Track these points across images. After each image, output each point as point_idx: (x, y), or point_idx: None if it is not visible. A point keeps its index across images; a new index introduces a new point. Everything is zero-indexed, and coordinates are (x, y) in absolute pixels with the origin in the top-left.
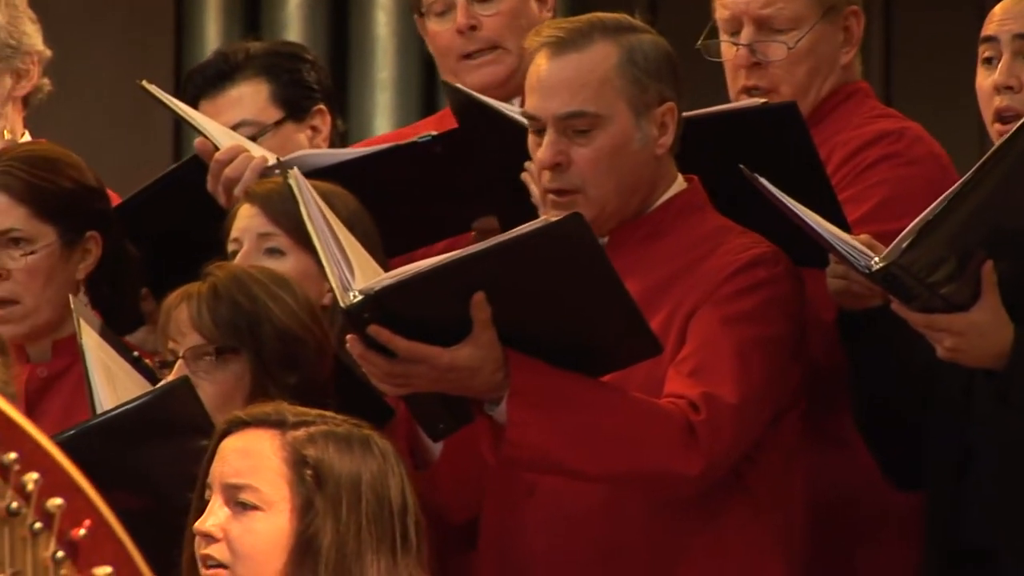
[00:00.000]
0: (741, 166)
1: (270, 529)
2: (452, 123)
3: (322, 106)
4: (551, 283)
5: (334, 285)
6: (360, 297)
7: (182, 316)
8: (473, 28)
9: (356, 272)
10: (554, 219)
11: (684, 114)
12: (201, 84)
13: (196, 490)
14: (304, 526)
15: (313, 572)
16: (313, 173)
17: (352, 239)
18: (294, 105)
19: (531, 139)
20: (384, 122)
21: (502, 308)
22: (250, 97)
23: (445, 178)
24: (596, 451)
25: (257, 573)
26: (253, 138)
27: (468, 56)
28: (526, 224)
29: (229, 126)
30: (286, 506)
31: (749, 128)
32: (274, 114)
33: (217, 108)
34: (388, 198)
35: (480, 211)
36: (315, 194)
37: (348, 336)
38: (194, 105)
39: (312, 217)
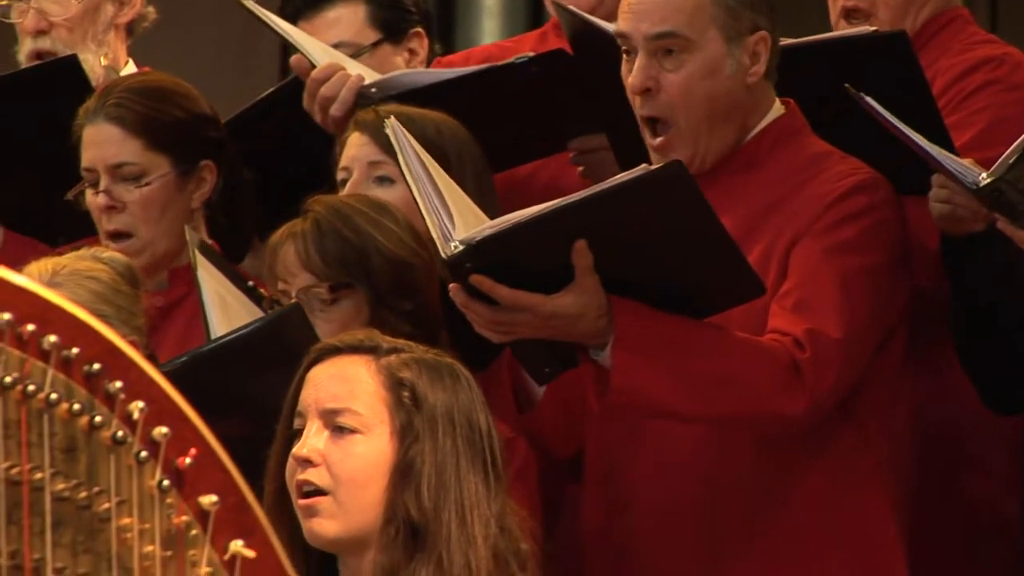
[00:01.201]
0: (847, 86)
1: (371, 452)
2: (553, 41)
3: (419, 28)
4: (652, 229)
5: (435, 236)
6: (461, 247)
7: (289, 256)
8: None
9: (456, 221)
10: (655, 167)
11: (788, 42)
12: (299, 4)
13: (282, 420)
14: (404, 448)
15: (415, 494)
16: (408, 93)
17: (452, 185)
18: (391, 27)
19: (624, 65)
20: None
21: (603, 254)
22: (347, 18)
23: (541, 98)
24: (701, 394)
25: (358, 497)
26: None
27: None
28: (627, 171)
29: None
30: (385, 429)
31: (855, 56)
32: (371, 36)
33: (314, 29)
34: (483, 118)
35: (577, 130)
36: (413, 141)
37: (451, 285)
38: (293, 24)
39: (410, 166)
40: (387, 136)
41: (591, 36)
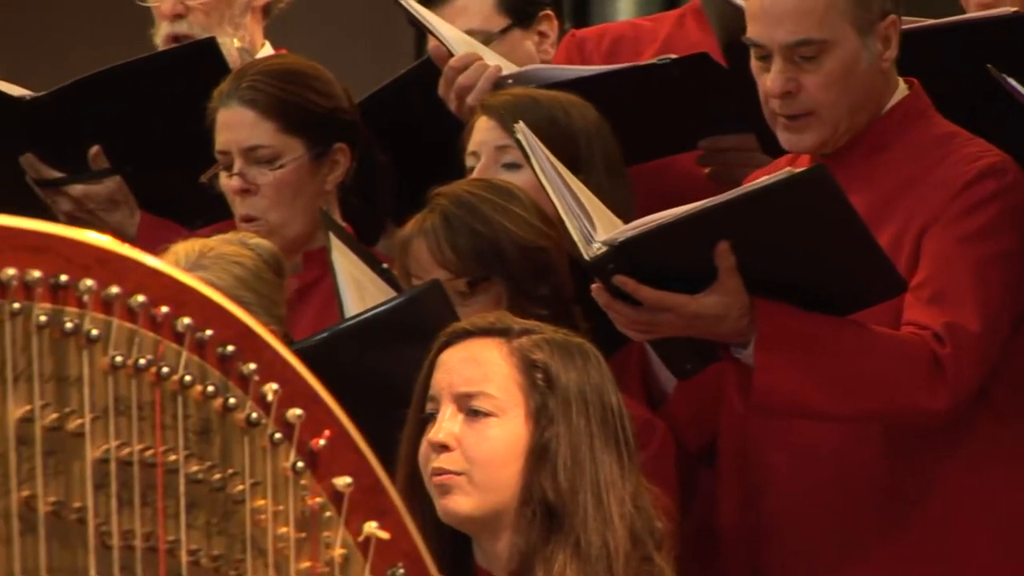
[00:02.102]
0: (988, 66)
1: (506, 435)
2: (690, 25)
3: (548, 11)
4: (794, 230)
5: (576, 238)
6: (604, 248)
7: (422, 253)
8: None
9: (596, 222)
10: (799, 170)
11: (915, 26)
12: None
13: (413, 404)
14: (539, 430)
15: (550, 476)
16: (542, 87)
17: (583, 187)
18: (520, 12)
19: (754, 64)
20: None
21: (745, 255)
22: (476, 5)
23: (678, 97)
24: (844, 393)
25: (494, 479)
26: None
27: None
28: (771, 175)
29: None
30: (520, 411)
31: (986, 39)
32: (500, 22)
33: (444, 16)
34: (617, 112)
35: (708, 130)
36: (543, 147)
37: (593, 285)
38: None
39: (544, 171)
40: (515, 120)
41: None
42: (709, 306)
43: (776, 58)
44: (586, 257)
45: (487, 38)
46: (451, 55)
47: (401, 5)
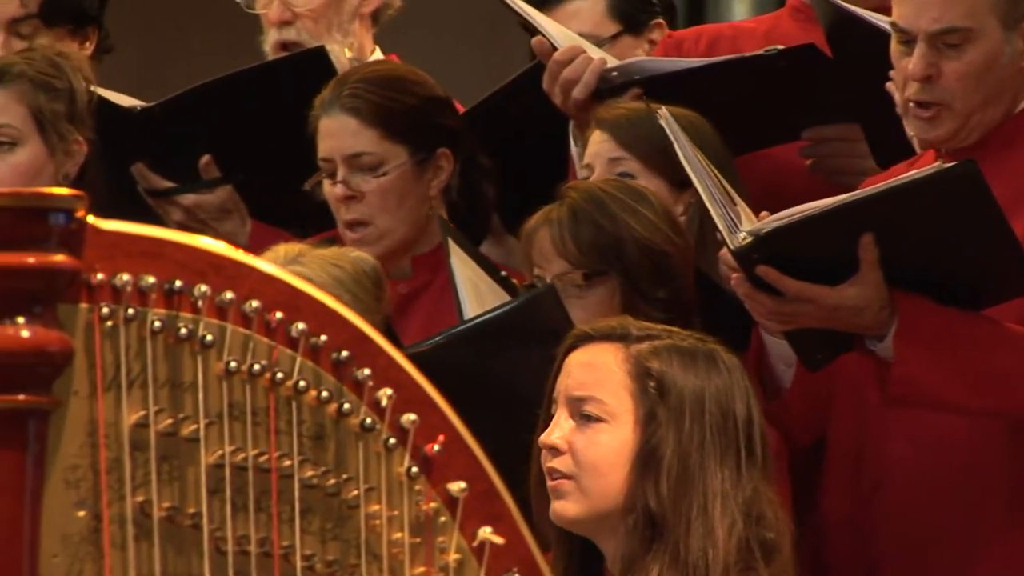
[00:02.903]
0: None
1: (614, 440)
2: (787, 24)
3: (660, 20)
4: (938, 224)
5: (720, 226)
6: (749, 238)
7: (544, 242)
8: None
9: (741, 212)
10: (948, 165)
11: None
12: None
13: (544, 405)
14: (647, 437)
15: (654, 484)
16: (650, 79)
17: (724, 180)
18: (631, 18)
19: (895, 47)
20: None
21: (887, 248)
22: (588, 10)
23: (782, 89)
24: (982, 387)
25: (601, 484)
26: None
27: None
28: (920, 169)
29: None
30: (630, 417)
31: None
32: (611, 27)
33: (555, 19)
34: (721, 104)
35: (811, 120)
36: (684, 135)
37: (734, 276)
38: None
39: (688, 159)
40: (627, 132)
41: (850, 26)
42: (850, 298)
43: (920, 43)
44: (731, 246)
45: (597, 43)
46: (555, 50)
47: (507, 5)
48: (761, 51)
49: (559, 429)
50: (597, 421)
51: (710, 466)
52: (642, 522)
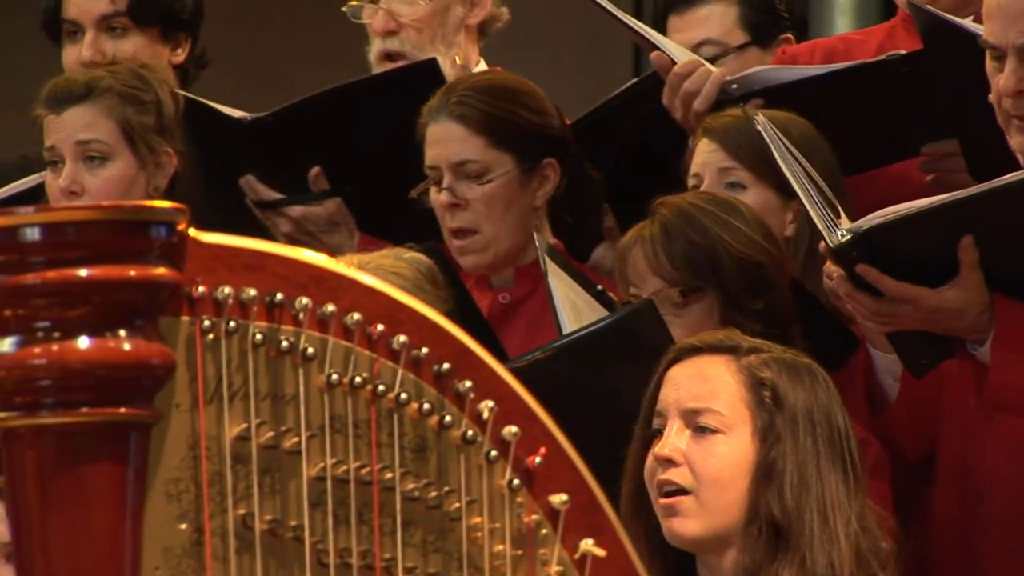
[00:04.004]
0: None
1: (732, 452)
2: (901, 35)
3: (789, 34)
4: None
5: (819, 225)
6: (849, 236)
7: (639, 261)
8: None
9: (840, 210)
10: None
11: None
12: None
13: (640, 420)
14: (766, 448)
15: (776, 494)
16: (769, 89)
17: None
18: (761, 31)
19: (989, 64)
20: None
21: (988, 250)
22: (718, 17)
23: (901, 99)
24: None
25: (720, 496)
26: (714, 59)
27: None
28: (1018, 172)
29: (692, 44)
30: (747, 428)
31: None
32: (739, 37)
33: (684, 24)
34: (838, 118)
35: (931, 135)
36: (782, 137)
37: (835, 275)
38: (663, 20)
39: (785, 160)
40: (736, 141)
41: (949, 36)
42: (950, 300)
43: (1010, 57)
44: (830, 244)
45: (723, 51)
46: (674, 63)
47: (623, 23)
48: (883, 56)
49: (673, 441)
50: (714, 432)
51: (826, 476)
52: (766, 532)
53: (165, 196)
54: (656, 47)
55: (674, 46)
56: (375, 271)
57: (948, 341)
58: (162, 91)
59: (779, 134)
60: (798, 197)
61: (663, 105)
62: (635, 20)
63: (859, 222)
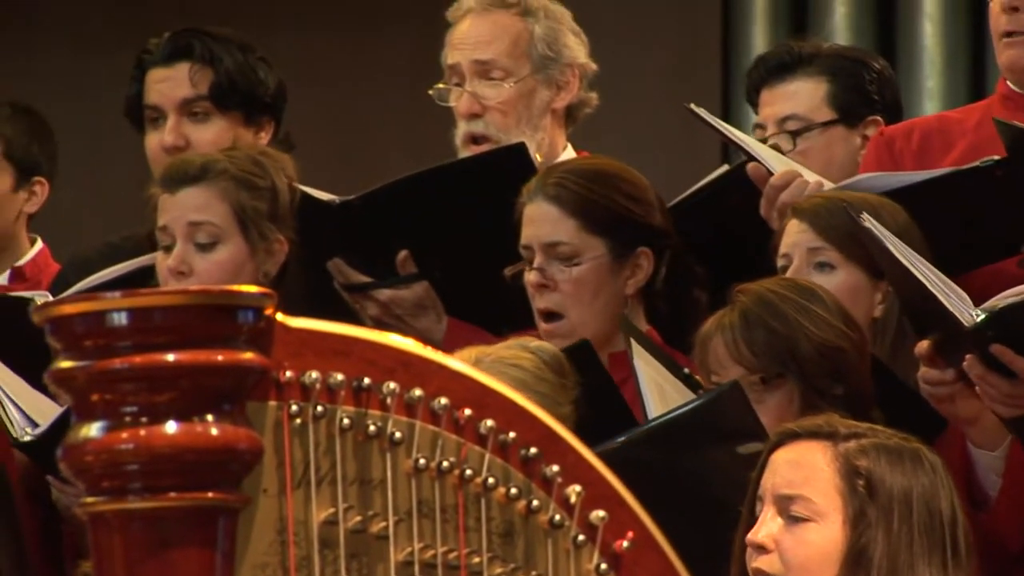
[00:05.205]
0: None
1: (823, 540)
2: (998, 111)
3: (878, 117)
4: None
5: (949, 307)
6: (984, 316)
7: (719, 349)
8: (1015, 9)
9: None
10: None
11: None
12: (764, 73)
13: (746, 502)
14: (856, 536)
15: None
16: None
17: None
18: (849, 111)
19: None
20: None
21: None
22: (807, 93)
23: (999, 201)
24: None
25: None
26: (797, 132)
27: (1009, 35)
28: None
29: (779, 117)
30: (838, 516)
31: None
32: (826, 114)
33: (774, 97)
34: (940, 220)
35: None
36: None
37: (967, 357)
38: (755, 93)
39: (900, 250)
40: (826, 222)
41: None
42: None
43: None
44: (966, 325)
45: (807, 126)
46: (771, 174)
47: (722, 133)
48: (977, 163)
49: (766, 528)
50: (805, 521)
51: (919, 565)
52: None
53: (274, 283)
54: (753, 157)
55: (770, 154)
56: (494, 363)
57: None
58: (279, 178)
59: (885, 229)
60: (885, 279)
61: (749, 196)
62: (731, 128)
63: (991, 302)
